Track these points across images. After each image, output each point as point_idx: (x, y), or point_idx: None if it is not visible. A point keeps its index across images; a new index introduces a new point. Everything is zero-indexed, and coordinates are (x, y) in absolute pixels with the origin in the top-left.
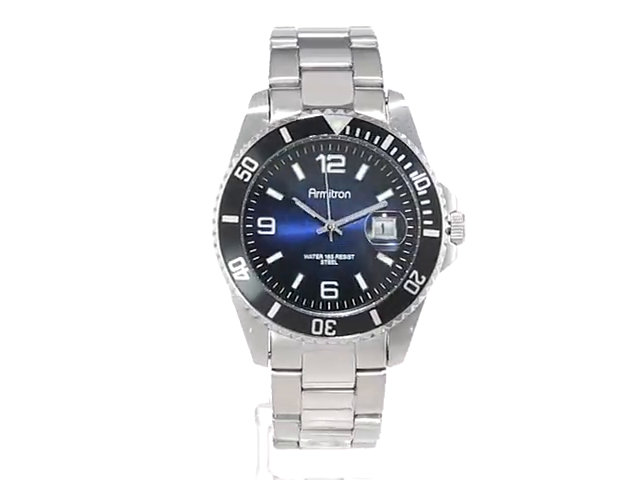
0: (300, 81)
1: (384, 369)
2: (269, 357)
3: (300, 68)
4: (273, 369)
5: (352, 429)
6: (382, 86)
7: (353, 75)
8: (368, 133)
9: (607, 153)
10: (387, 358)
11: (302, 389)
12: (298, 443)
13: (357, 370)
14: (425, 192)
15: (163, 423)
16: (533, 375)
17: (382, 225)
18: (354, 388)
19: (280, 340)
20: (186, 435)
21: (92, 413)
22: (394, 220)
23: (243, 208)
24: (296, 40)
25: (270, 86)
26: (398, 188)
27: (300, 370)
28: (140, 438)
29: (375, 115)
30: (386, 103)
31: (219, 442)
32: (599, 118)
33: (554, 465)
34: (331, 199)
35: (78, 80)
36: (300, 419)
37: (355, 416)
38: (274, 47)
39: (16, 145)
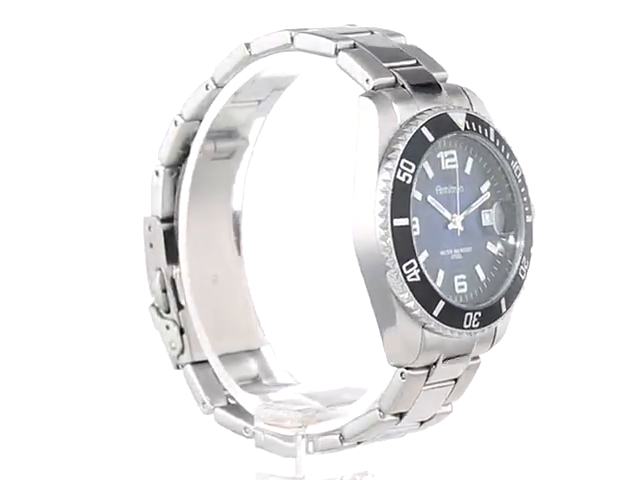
0: (397, 79)
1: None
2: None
3: (387, 68)
4: (407, 368)
5: (430, 419)
6: (445, 80)
7: (429, 72)
8: (480, 127)
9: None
10: (492, 344)
11: (424, 385)
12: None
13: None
14: (521, 180)
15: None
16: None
17: (487, 215)
18: (457, 378)
19: (429, 338)
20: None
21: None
22: (496, 209)
23: (410, 210)
24: (352, 41)
25: (374, 88)
26: (492, 178)
27: (430, 366)
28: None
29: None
30: (467, 97)
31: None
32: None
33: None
34: (452, 195)
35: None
36: (402, 417)
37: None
38: (345, 48)
39: None
